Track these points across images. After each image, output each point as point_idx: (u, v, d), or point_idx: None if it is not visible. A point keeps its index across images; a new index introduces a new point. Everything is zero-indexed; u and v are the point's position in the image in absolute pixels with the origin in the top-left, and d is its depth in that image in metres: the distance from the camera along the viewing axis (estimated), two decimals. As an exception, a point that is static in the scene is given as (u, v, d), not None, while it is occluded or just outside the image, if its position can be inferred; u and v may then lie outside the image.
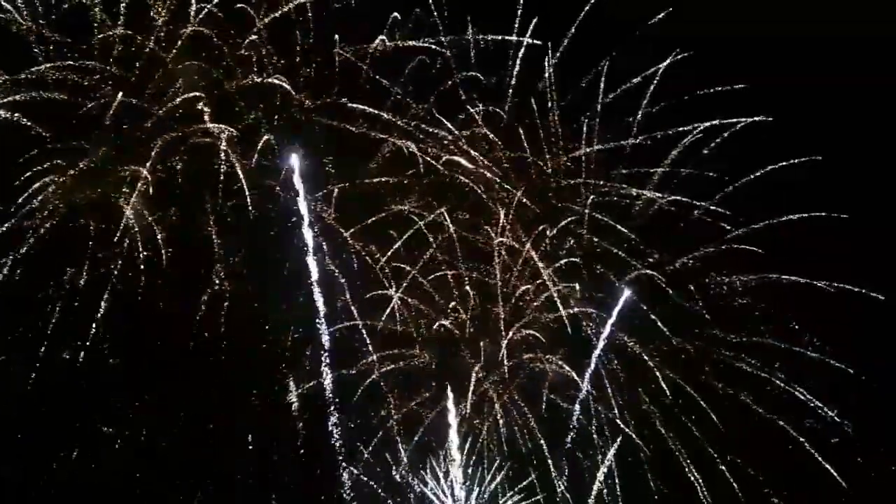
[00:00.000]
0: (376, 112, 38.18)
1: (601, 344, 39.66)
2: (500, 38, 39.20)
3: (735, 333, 40.91)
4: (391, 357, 38.24)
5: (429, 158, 38.36)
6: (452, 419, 37.68)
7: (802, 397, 39.46)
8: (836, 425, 39.25)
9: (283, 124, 38.13)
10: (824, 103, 40.20)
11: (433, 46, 38.85)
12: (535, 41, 39.21)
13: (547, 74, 39.96)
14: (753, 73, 39.88)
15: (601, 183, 40.71)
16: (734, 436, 39.35)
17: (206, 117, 36.07)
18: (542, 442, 39.24)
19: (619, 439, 39.33)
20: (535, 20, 39.17)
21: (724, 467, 39.27)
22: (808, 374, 39.84)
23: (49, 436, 34.12)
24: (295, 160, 37.05)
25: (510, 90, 40.17)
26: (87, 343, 34.59)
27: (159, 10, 35.41)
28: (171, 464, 35.22)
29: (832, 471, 38.29)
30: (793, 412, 39.33)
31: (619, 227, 40.35)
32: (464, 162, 38.89)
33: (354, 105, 37.90)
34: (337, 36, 38.75)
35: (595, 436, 39.78)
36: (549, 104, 40.22)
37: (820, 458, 38.42)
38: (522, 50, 39.40)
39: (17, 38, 33.33)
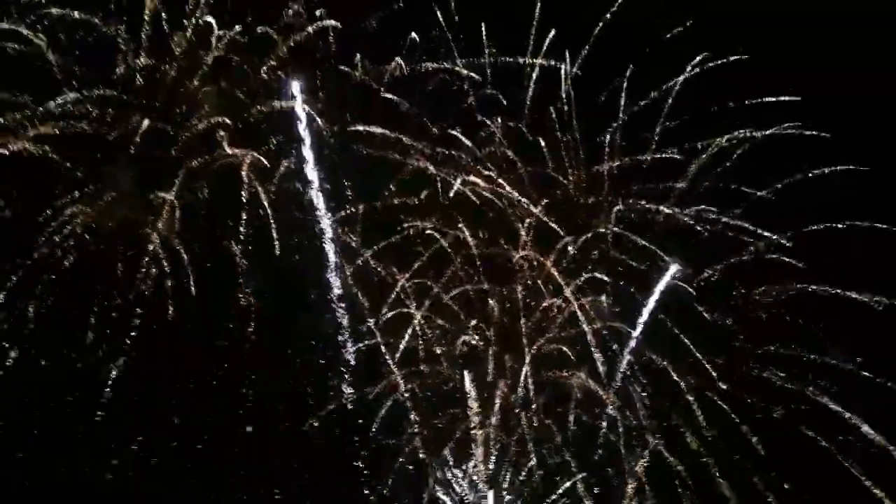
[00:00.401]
0: (395, 135, 38.53)
1: (626, 358, 39.63)
2: (514, 58, 39.44)
3: (764, 346, 40.42)
4: (414, 375, 38.65)
5: (448, 178, 38.69)
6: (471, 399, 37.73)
7: (834, 409, 38.95)
8: (871, 437, 38.46)
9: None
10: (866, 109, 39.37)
11: (450, 66, 39.25)
12: (550, 62, 39.43)
13: (563, 89, 40.08)
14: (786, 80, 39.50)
15: (621, 200, 40.54)
16: (767, 449, 38.96)
17: (228, 143, 36.83)
18: (569, 458, 39.30)
19: (646, 454, 39.19)
20: (551, 33, 39.41)
21: (757, 479, 38.92)
22: (840, 387, 39.32)
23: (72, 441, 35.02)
24: (296, 87, 37.22)
25: (528, 107, 40.38)
26: (123, 359, 35.58)
27: (181, 40, 36.30)
28: (194, 481, 35.98)
29: (869, 485, 37.56)
30: (827, 425, 38.76)
31: (642, 241, 40.21)
32: (482, 183, 39.11)
33: (372, 129, 38.29)
34: (358, 57, 39.31)
35: (623, 450, 39.62)
36: (566, 118, 40.29)
37: (857, 473, 37.71)
38: (537, 70, 39.70)
39: (44, 71, 34.35)
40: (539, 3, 38.90)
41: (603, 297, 40.44)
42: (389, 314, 38.20)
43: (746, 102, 39.71)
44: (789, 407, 39.43)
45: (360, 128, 38.21)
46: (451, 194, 38.39)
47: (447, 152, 38.79)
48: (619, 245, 40.57)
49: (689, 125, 40.41)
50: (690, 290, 40.43)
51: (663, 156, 40.51)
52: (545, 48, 39.45)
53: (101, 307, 35.34)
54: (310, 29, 38.46)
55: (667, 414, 39.78)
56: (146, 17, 35.50)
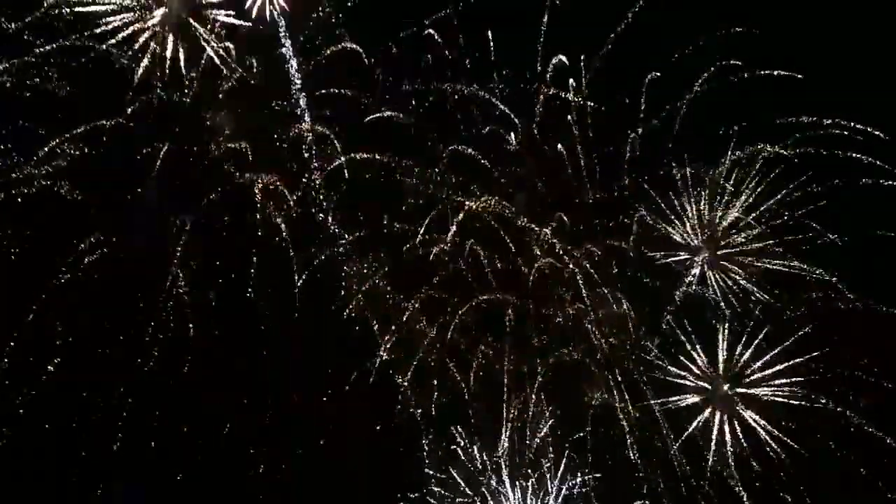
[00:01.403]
0: (405, 161, 39.19)
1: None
2: (523, 85, 39.69)
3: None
4: (428, 390, 39.41)
5: (461, 199, 39.11)
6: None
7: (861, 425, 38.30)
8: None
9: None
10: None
11: (463, 88, 39.59)
12: (558, 91, 39.41)
13: (574, 105, 39.96)
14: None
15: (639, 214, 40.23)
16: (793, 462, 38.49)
17: (244, 168, 37.99)
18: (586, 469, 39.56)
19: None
20: (555, 59, 39.25)
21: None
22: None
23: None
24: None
25: (541, 122, 40.40)
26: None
27: (195, 71, 37.41)
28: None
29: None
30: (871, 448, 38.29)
31: (660, 255, 39.95)
32: (492, 204, 39.38)
33: (384, 158, 38.99)
34: (379, 72, 39.84)
35: (639, 462, 39.70)
36: (576, 132, 40.15)
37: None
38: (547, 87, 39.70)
39: (60, 103, 35.94)
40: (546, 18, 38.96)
41: (626, 306, 40.36)
42: (403, 332, 38.97)
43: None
44: (815, 421, 38.82)
45: (375, 156, 38.91)
46: (461, 216, 38.69)
47: (455, 179, 39.22)
48: (637, 258, 40.48)
49: (707, 139, 39.89)
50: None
51: (679, 170, 40.00)
52: (553, 66, 39.49)
53: (126, 326, 37.05)
54: (328, 50, 39.24)
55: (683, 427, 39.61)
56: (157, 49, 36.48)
